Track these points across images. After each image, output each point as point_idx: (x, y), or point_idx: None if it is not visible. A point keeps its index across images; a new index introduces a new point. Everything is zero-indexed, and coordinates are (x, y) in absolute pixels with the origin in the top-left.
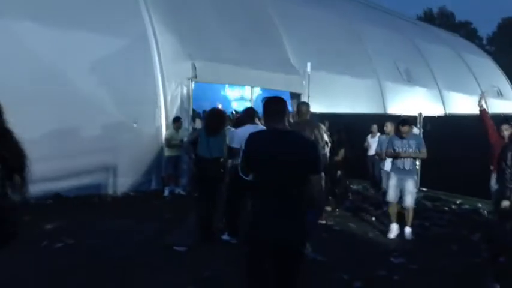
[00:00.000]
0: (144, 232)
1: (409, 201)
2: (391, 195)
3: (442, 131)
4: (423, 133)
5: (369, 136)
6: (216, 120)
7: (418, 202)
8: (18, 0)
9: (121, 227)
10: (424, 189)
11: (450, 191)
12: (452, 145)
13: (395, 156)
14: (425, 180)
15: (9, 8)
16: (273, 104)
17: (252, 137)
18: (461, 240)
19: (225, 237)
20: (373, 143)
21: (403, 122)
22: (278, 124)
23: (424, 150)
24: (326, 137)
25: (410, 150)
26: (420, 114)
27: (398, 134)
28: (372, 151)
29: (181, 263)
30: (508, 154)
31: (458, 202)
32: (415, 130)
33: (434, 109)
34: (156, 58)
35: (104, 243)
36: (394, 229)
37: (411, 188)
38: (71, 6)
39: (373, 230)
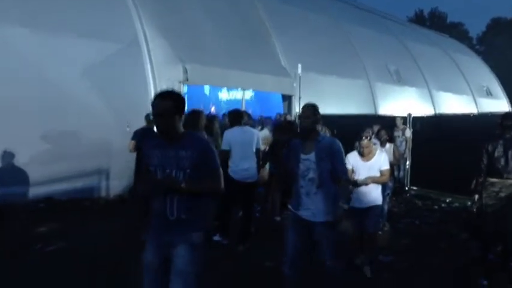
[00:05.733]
0: (137, 234)
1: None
2: (288, 260)
3: (431, 130)
4: (412, 133)
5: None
6: (187, 121)
7: (408, 201)
8: (7, 5)
9: (114, 229)
10: (414, 188)
11: (440, 189)
12: (442, 144)
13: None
14: (415, 179)
15: None
16: None
17: None
18: (451, 238)
19: (216, 238)
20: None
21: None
22: None
23: (344, 170)
24: None
25: (311, 165)
26: (409, 114)
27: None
28: None
29: None
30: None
31: (447, 200)
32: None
33: (425, 109)
34: (148, 61)
35: (96, 246)
36: None
37: (325, 239)
38: (60, 10)
39: None
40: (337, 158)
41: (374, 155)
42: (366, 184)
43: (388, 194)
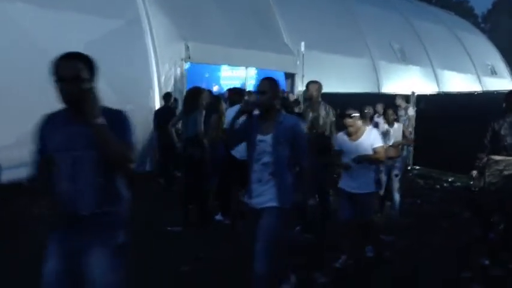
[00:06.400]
0: (139, 213)
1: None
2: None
3: (434, 109)
4: (416, 111)
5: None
6: (187, 99)
7: (411, 180)
8: None
9: None
10: (417, 167)
11: (442, 168)
12: (445, 123)
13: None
14: (417, 158)
15: None
16: None
17: None
18: (452, 217)
19: (218, 217)
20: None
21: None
22: None
23: (306, 157)
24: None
25: (267, 148)
26: (413, 92)
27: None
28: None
29: (174, 243)
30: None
31: (450, 180)
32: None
33: (429, 88)
34: (149, 39)
35: None
36: None
37: (269, 228)
38: None
39: None
40: (298, 142)
41: (362, 133)
42: (358, 162)
43: (397, 175)
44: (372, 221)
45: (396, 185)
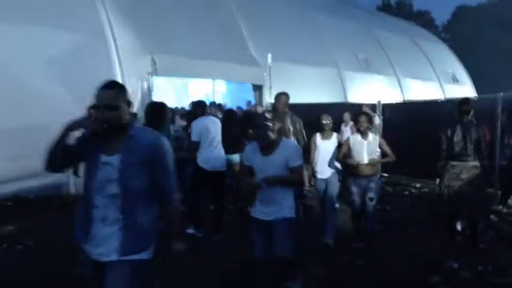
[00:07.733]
0: None
1: None
2: None
3: (400, 117)
4: (382, 120)
5: (342, 125)
6: (148, 115)
7: (380, 187)
8: None
9: None
10: (385, 174)
11: (410, 175)
12: (411, 130)
13: None
14: (385, 165)
15: None
16: None
17: None
18: (421, 222)
19: (190, 231)
20: (346, 134)
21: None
22: None
23: (173, 188)
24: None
25: (113, 175)
26: (379, 102)
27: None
28: None
29: None
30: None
31: (418, 186)
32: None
33: (393, 96)
34: (115, 53)
35: (64, 244)
36: None
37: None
38: (24, 1)
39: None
40: (161, 165)
41: (276, 147)
42: (268, 185)
43: (372, 199)
44: (290, 259)
45: (370, 212)
